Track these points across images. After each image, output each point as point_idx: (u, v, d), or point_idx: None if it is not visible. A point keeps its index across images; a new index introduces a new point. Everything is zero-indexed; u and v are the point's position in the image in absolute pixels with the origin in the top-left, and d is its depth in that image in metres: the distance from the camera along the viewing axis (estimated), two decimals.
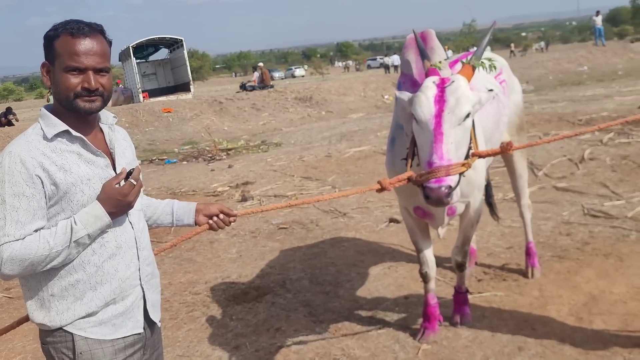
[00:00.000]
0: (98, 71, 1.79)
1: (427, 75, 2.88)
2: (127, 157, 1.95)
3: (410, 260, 4.92)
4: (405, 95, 2.89)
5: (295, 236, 5.94)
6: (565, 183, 6.75)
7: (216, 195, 8.23)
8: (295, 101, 20.37)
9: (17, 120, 20.42)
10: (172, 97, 23.64)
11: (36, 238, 1.69)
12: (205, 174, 10.08)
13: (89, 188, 1.78)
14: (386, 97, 21.32)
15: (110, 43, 1.86)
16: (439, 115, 2.68)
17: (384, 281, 4.54)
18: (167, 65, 28.80)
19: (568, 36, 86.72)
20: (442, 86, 2.74)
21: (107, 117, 1.95)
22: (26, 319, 2.10)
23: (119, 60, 28.21)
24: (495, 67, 3.29)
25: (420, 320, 3.72)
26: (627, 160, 7.36)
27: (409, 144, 3.00)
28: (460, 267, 3.65)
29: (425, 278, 3.59)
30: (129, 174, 1.79)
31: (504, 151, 2.71)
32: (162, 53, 30.13)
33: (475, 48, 3.22)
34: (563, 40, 75.87)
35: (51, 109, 1.85)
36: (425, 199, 2.68)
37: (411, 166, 2.93)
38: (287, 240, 5.83)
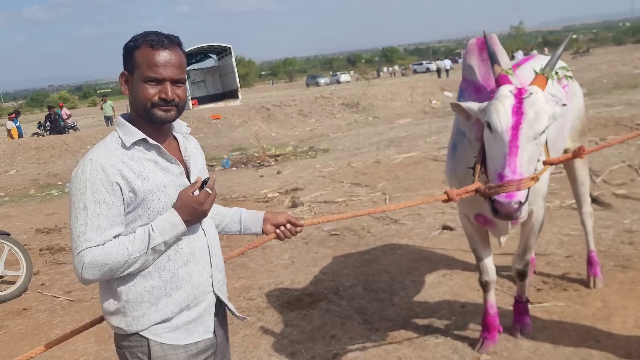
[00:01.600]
0: (175, 82, 1.83)
1: (497, 81, 2.79)
2: (199, 165, 1.99)
3: (466, 268, 4.85)
4: (475, 105, 2.81)
5: (346, 243, 5.93)
6: (625, 190, 6.53)
7: (266, 202, 8.30)
8: (341, 107, 20.43)
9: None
10: (220, 104, 24.03)
11: (115, 244, 1.74)
12: (254, 180, 10.19)
13: (164, 195, 1.81)
14: (434, 102, 21.14)
15: (186, 55, 1.90)
16: (516, 128, 2.58)
17: (439, 289, 4.48)
18: (215, 73, 29.27)
19: (621, 37, 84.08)
20: (519, 97, 2.63)
21: (180, 126, 2.00)
22: (99, 320, 2.16)
23: None
24: (571, 77, 3.16)
25: (479, 329, 3.65)
26: None
27: (477, 153, 2.93)
28: (521, 276, 3.57)
29: (485, 287, 3.52)
30: (204, 182, 1.82)
31: (577, 156, 2.64)
32: (211, 60, 30.66)
33: (519, 52, 3.15)
34: (616, 42, 73.62)
35: (127, 118, 1.90)
36: (494, 213, 2.61)
37: (479, 176, 2.86)
38: (338, 247, 5.82)
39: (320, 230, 6.39)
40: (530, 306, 3.77)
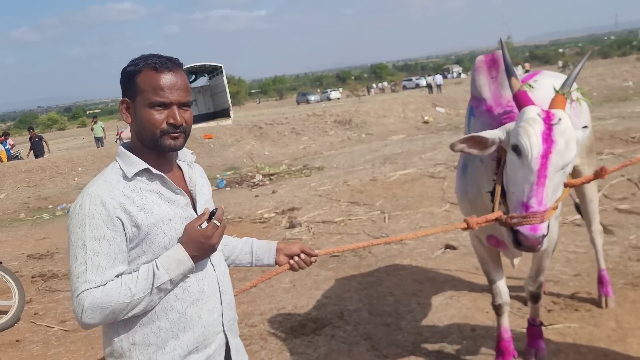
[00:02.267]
0: (182, 106, 1.73)
1: (516, 97, 2.63)
2: (205, 195, 1.87)
3: (472, 289, 4.74)
4: (495, 132, 2.64)
5: (348, 264, 5.81)
6: (628, 205, 6.46)
7: (263, 222, 8.17)
8: (334, 124, 20.39)
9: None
10: (212, 124, 23.92)
11: (117, 284, 1.61)
12: (249, 200, 10.06)
13: (170, 229, 1.70)
14: (426, 117, 21.15)
15: (188, 77, 1.79)
16: (545, 157, 2.42)
17: (447, 312, 4.36)
18: (206, 92, 29.19)
19: (607, 51, 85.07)
20: (549, 123, 2.45)
21: (185, 154, 1.88)
22: None
23: None
24: (590, 101, 3.01)
25: (492, 354, 3.53)
26: None
27: (489, 173, 2.82)
28: (534, 299, 3.46)
29: (498, 311, 3.40)
30: (212, 214, 1.70)
31: (598, 177, 2.54)
32: (202, 80, 30.58)
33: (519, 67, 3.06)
34: (602, 56, 74.42)
35: (128, 147, 1.78)
36: (516, 245, 2.48)
37: (500, 203, 2.71)
38: (340, 269, 5.70)
39: None
40: (542, 328, 3.66)
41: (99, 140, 24.29)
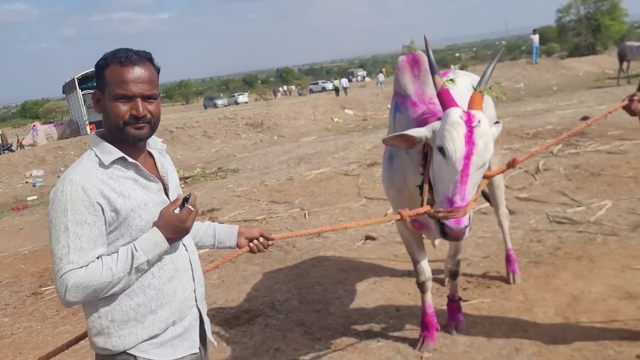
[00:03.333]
0: (146, 98, 1.84)
1: (440, 95, 2.85)
2: (174, 181, 2.01)
3: (394, 274, 5.06)
4: (422, 131, 2.86)
5: (274, 259, 5.98)
6: (527, 193, 7.07)
7: None
8: (246, 127, 20.45)
9: None
10: None
11: (99, 265, 1.72)
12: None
13: (146, 213, 1.82)
14: (336, 119, 21.66)
15: (158, 70, 1.90)
16: (467, 157, 2.66)
17: (372, 296, 4.65)
18: None
19: None
20: (470, 125, 2.69)
21: (155, 142, 2.00)
22: (75, 341, 2.11)
23: (63, 93, 27.52)
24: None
25: (417, 330, 3.84)
26: (579, 169, 7.77)
27: (416, 163, 3.06)
28: (453, 276, 3.81)
29: (422, 288, 3.71)
30: (186, 200, 1.84)
31: (511, 167, 2.87)
32: None
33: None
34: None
35: (102, 136, 1.88)
36: (443, 235, 2.76)
37: (427, 194, 2.95)
38: (266, 263, 5.86)
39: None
40: (460, 303, 4.01)
41: None
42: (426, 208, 2.80)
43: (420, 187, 3.03)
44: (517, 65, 35.08)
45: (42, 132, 22.72)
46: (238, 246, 2.24)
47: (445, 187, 2.72)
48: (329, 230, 2.65)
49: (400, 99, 3.39)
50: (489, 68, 2.99)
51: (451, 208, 2.66)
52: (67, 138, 22.13)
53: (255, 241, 2.24)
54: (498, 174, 2.98)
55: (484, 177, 2.92)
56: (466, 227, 2.71)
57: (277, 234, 2.40)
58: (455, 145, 2.66)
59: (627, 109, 3.12)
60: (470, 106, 2.79)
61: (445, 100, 2.82)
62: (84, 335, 2.14)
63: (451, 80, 2.93)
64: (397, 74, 3.47)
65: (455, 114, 2.72)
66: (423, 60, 3.33)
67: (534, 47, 31.65)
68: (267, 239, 2.27)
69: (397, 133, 2.91)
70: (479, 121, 2.69)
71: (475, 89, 2.85)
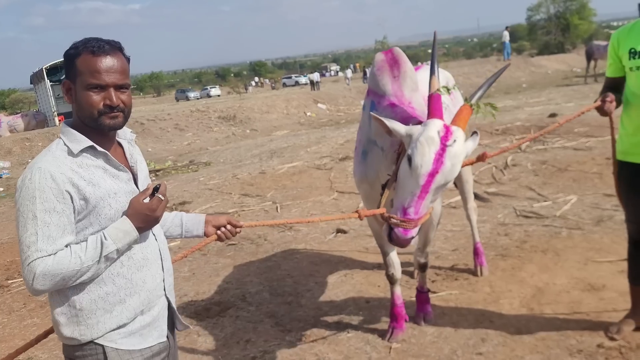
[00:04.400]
0: (119, 88, 1.83)
1: (431, 99, 2.76)
2: (144, 171, 2.01)
3: (364, 267, 5.11)
4: (401, 127, 2.80)
5: (245, 251, 5.99)
6: (495, 188, 7.20)
7: None
8: (218, 120, 20.34)
9: None
10: None
11: (68, 253, 1.71)
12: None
13: (115, 202, 1.81)
14: (309, 114, 21.68)
15: (128, 60, 1.90)
16: (432, 175, 2.62)
17: (342, 288, 4.69)
18: None
19: (471, 52, 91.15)
20: (444, 143, 2.62)
21: (125, 132, 1.99)
22: (44, 335, 2.09)
23: (31, 83, 26.94)
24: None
25: (386, 321, 3.90)
26: (546, 164, 7.95)
27: (389, 160, 3.06)
28: (422, 268, 3.87)
29: (391, 280, 3.76)
30: (156, 189, 1.84)
31: (480, 160, 2.89)
32: None
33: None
34: (467, 56, 79.67)
35: (71, 124, 1.87)
36: (389, 239, 2.77)
37: (386, 199, 2.95)
38: (238, 256, 5.86)
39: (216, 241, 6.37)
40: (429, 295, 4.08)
41: None
42: (382, 210, 2.81)
43: (383, 187, 3.03)
44: (488, 62, 35.56)
45: (5, 124, 22.21)
46: (206, 235, 2.23)
47: (404, 196, 2.69)
48: (295, 223, 2.66)
49: (377, 98, 3.32)
50: (485, 83, 2.89)
51: (403, 218, 2.66)
52: (33, 129, 21.70)
53: (223, 229, 2.23)
54: (467, 165, 2.97)
55: None
56: (412, 237, 2.72)
57: (248, 228, 2.40)
58: (423, 160, 2.61)
59: (599, 109, 3.19)
60: (454, 120, 2.71)
61: (433, 108, 2.73)
62: (52, 329, 2.13)
63: (446, 88, 2.84)
64: (374, 72, 3.40)
65: (434, 128, 2.64)
66: (403, 60, 3.30)
67: (506, 44, 32.09)
68: (235, 226, 2.26)
69: (385, 120, 2.83)
70: (454, 141, 2.62)
71: (465, 101, 2.78)
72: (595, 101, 3.23)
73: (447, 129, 2.64)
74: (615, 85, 3.30)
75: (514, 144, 3.14)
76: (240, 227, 2.28)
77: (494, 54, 60.55)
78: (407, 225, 2.65)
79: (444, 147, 2.60)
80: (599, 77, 21.00)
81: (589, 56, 21.37)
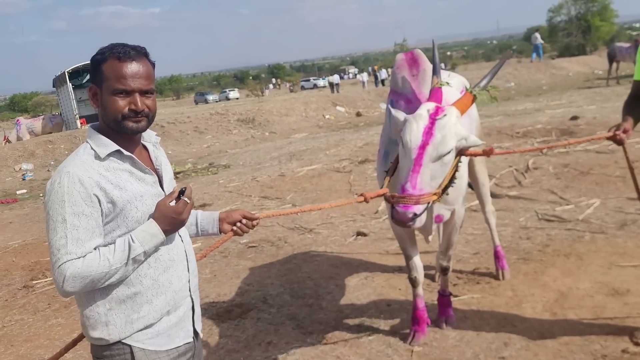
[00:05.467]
0: (144, 93, 1.87)
1: (431, 92, 2.98)
2: (169, 174, 2.04)
3: (385, 270, 5.11)
4: (401, 115, 3.01)
5: (265, 254, 6.02)
6: (516, 191, 7.15)
7: None
8: (237, 123, 20.43)
9: None
10: None
11: (96, 256, 1.75)
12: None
13: (142, 204, 1.85)
14: (327, 116, 21.71)
15: (153, 65, 1.93)
16: (422, 147, 2.78)
17: (363, 291, 4.69)
18: None
19: (490, 54, 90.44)
20: (434, 118, 2.81)
21: (150, 135, 2.03)
22: (73, 343, 2.13)
23: (53, 87, 27.31)
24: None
25: (407, 325, 3.89)
26: (568, 168, 7.87)
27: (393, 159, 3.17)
28: (444, 271, 3.86)
29: (414, 283, 3.76)
30: (182, 192, 1.87)
31: (486, 154, 2.92)
32: None
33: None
34: (486, 59, 79.10)
35: (98, 129, 1.91)
36: (391, 218, 2.88)
37: (389, 182, 3.12)
38: (258, 258, 5.89)
39: (237, 243, 6.43)
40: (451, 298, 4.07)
41: None
42: (385, 190, 2.92)
43: (386, 172, 3.19)
44: (508, 64, 35.18)
45: (24, 127, 22.57)
46: (221, 232, 2.24)
47: (402, 174, 2.84)
48: (307, 210, 2.71)
49: (396, 97, 3.44)
50: (490, 73, 3.08)
51: (402, 194, 2.76)
52: (50, 132, 21.99)
53: (239, 224, 2.23)
54: (471, 155, 3.04)
55: (460, 154, 2.96)
56: (415, 214, 2.77)
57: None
58: (412, 135, 2.80)
59: (612, 139, 3.18)
60: (454, 103, 2.93)
61: (432, 96, 2.95)
62: (80, 337, 2.17)
63: (447, 82, 3.03)
64: (394, 72, 3.53)
65: (424, 108, 2.87)
66: (422, 60, 3.39)
67: (538, 45, 32.45)
68: (251, 219, 2.26)
69: (394, 109, 3.10)
70: (444, 115, 2.80)
71: (467, 89, 2.97)
72: (609, 131, 3.20)
73: (438, 108, 2.85)
74: None
75: (521, 148, 3.17)
76: (256, 219, 2.28)
77: (513, 56, 60.04)
78: (407, 201, 2.74)
79: (433, 121, 2.80)
80: (621, 79, 20.75)
81: (611, 58, 21.08)
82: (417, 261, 3.74)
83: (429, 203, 2.85)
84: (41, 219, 8.90)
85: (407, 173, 2.79)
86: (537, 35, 32.90)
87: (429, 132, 2.78)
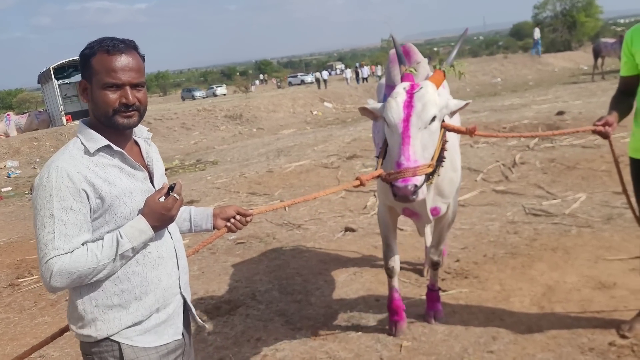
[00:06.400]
0: (134, 86, 1.84)
1: (402, 79, 3.08)
2: (160, 170, 2.01)
3: (373, 265, 5.11)
4: (378, 105, 3.08)
5: (254, 250, 6.00)
6: (503, 186, 7.18)
7: None
8: (225, 119, 20.36)
9: None
10: None
11: (84, 251, 1.73)
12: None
13: (131, 200, 1.83)
14: (315, 112, 21.68)
15: (143, 58, 1.91)
16: (406, 120, 2.85)
17: (352, 287, 4.70)
18: None
19: (477, 50, 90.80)
20: (411, 92, 2.91)
21: (141, 131, 2.01)
22: (60, 333, 2.10)
23: (38, 83, 27.05)
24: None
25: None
26: (554, 162, 7.92)
27: (381, 144, 3.24)
28: (435, 266, 3.87)
29: (391, 273, 3.76)
30: (171, 188, 1.85)
31: (469, 133, 2.95)
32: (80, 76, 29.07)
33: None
34: (473, 54, 79.40)
35: (88, 123, 1.88)
36: (394, 197, 2.87)
37: (382, 164, 3.17)
38: (247, 255, 5.88)
39: (225, 239, 6.40)
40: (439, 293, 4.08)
41: None
42: (380, 171, 2.95)
43: (378, 157, 3.26)
44: (494, 60, 35.36)
45: (13, 123, 22.45)
46: (215, 228, 2.23)
47: (394, 153, 2.88)
48: (301, 202, 2.70)
49: (389, 91, 3.42)
50: (454, 50, 3.23)
51: (399, 170, 2.79)
52: (35, 129, 21.83)
53: (233, 220, 2.22)
54: (455, 131, 3.06)
55: (442, 127, 3.00)
56: (416, 186, 2.78)
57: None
58: (393, 112, 2.88)
59: (599, 133, 3.18)
60: (428, 79, 3.03)
61: (403, 80, 3.08)
62: (67, 327, 2.14)
63: (413, 68, 3.18)
64: (388, 67, 3.58)
65: (400, 87, 2.96)
66: (413, 52, 3.42)
67: (537, 41, 32.70)
68: (245, 215, 2.25)
69: (360, 106, 3.20)
70: (421, 88, 2.89)
71: (435, 67, 3.10)
72: (594, 124, 3.20)
73: (413, 84, 2.96)
74: (630, 87, 3.26)
75: (503, 133, 3.21)
76: (250, 215, 2.27)
77: (499, 52, 60.20)
78: (405, 175, 2.77)
79: (411, 95, 2.89)
80: (606, 74, 20.91)
81: (597, 54, 21.27)
82: (395, 250, 3.76)
83: (426, 176, 2.87)
84: (27, 216, 8.83)
85: (398, 148, 2.83)
86: (537, 30, 33.29)
87: (409, 104, 2.86)
